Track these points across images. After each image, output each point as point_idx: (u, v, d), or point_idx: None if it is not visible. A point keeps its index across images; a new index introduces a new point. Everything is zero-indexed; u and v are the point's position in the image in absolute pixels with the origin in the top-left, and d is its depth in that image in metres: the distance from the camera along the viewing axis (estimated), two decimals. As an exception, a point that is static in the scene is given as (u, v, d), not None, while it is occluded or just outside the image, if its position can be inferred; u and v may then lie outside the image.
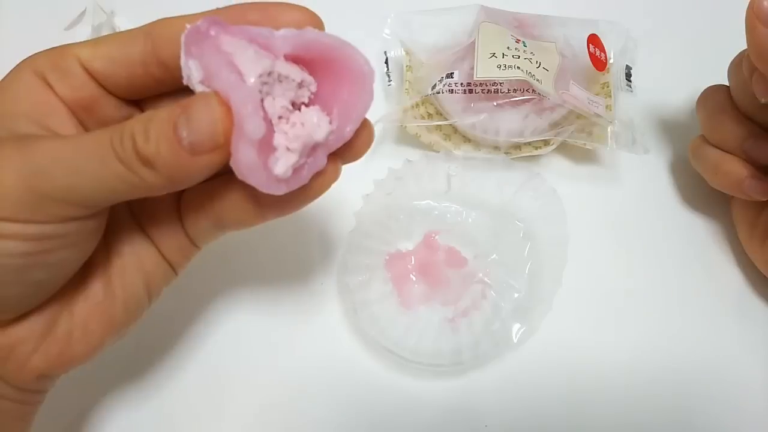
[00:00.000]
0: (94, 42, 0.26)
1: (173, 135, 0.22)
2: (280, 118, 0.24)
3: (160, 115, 0.23)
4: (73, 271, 0.26)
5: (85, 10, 0.48)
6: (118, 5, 0.50)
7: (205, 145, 0.23)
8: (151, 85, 0.27)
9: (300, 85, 0.25)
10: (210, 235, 0.29)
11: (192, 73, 0.23)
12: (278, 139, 0.24)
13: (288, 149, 0.24)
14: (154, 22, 0.26)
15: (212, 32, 0.23)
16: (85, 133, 0.24)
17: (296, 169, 0.25)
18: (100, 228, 0.26)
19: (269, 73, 0.24)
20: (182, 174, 0.23)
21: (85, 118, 0.27)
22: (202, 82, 0.23)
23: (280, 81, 0.24)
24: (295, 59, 0.25)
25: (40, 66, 0.26)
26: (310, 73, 0.25)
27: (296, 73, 0.24)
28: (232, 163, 0.24)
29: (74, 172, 0.23)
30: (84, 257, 0.26)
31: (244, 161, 0.23)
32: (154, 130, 0.22)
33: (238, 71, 0.23)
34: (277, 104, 0.24)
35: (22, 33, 0.49)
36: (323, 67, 0.25)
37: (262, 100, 0.24)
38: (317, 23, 0.26)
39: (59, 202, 0.23)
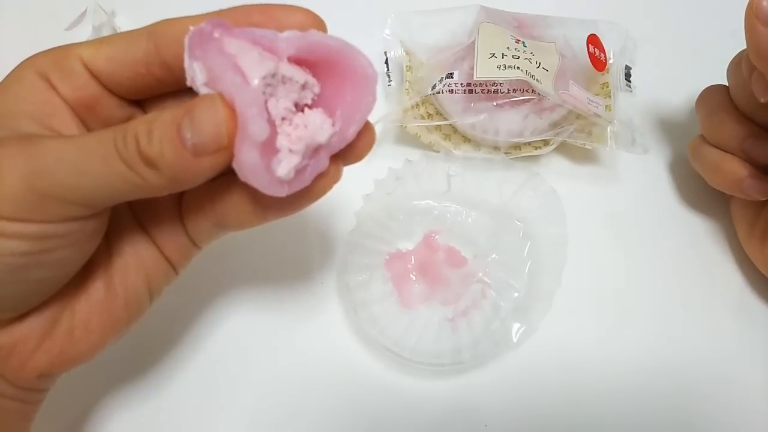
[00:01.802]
0: (96, 42, 0.26)
1: (177, 136, 0.22)
2: (283, 119, 0.24)
3: (164, 117, 0.23)
4: (74, 271, 0.26)
5: (85, 10, 0.48)
6: (118, 5, 0.50)
7: (208, 147, 0.23)
8: (154, 85, 0.27)
9: (303, 87, 0.25)
10: (211, 236, 0.29)
11: (196, 74, 0.23)
12: (281, 141, 0.24)
13: (291, 151, 0.24)
14: (157, 22, 0.26)
15: (216, 34, 0.23)
16: (88, 133, 0.24)
17: (298, 171, 0.24)
18: (102, 228, 0.26)
19: (273, 75, 0.23)
20: (185, 175, 0.23)
21: (88, 118, 0.27)
22: (206, 84, 0.23)
23: (284, 83, 0.24)
24: (298, 61, 0.25)
25: (43, 66, 0.26)
26: (314, 76, 0.25)
27: (300, 75, 0.24)
28: (234, 165, 0.24)
29: (77, 171, 0.23)
30: (85, 257, 0.26)
31: (248, 163, 0.23)
32: (158, 131, 0.23)
33: (242, 73, 0.23)
34: (280, 106, 0.24)
35: (22, 33, 0.49)
36: (327, 70, 0.25)
37: (265, 102, 0.24)
38: (320, 26, 0.26)
39: (61, 201, 0.23)
